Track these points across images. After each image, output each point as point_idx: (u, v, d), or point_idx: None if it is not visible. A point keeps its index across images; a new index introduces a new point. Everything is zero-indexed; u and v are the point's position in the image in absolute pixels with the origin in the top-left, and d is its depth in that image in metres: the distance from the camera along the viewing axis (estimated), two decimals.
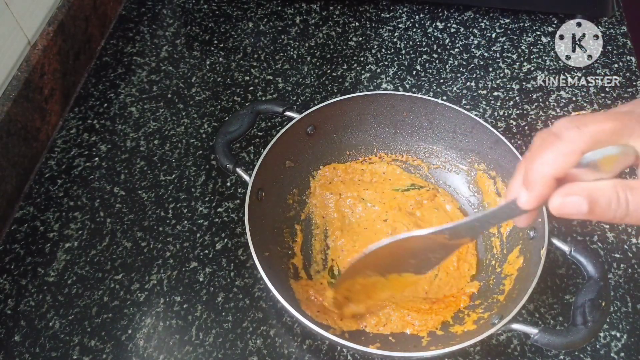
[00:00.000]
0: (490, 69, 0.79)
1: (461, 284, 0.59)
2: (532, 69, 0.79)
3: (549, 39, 0.82)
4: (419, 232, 0.43)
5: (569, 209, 0.32)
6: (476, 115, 0.63)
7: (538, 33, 0.83)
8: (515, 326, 0.47)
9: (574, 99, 0.75)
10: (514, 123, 0.73)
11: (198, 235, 0.63)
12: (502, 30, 0.84)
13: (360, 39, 0.83)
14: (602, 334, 0.56)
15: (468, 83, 0.77)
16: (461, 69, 0.79)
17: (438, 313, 0.56)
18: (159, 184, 0.67)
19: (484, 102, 0.75)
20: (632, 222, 0.32)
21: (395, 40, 0.83)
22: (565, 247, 0.51)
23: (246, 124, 0.60)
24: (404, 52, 0.81)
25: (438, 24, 0.85)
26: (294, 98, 0.76)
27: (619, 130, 0.31)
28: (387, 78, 0.78)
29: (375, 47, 0.82)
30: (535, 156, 0.33)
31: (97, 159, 0.69)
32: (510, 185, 0.36)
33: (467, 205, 0.64)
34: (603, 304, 0.47)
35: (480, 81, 0.78)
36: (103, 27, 0.83)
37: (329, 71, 0.79)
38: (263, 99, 0.76)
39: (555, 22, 0.84)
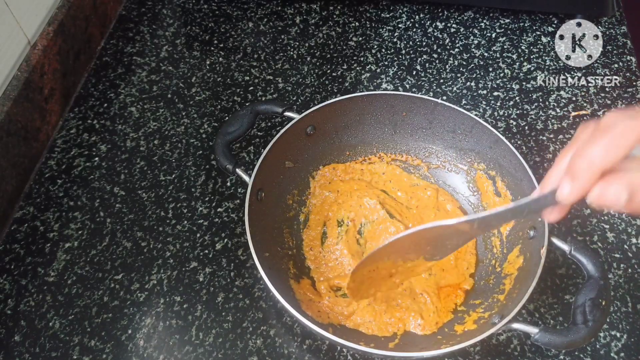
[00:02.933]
0: (490, 69, 0.79)
1: (458, 282, 0.59)
2: (532, 69, 0.79)
3: (549, 39, 0.82)
4: (449, 222, 0.42)
5: (609, 197, 0.32)
6: (476, 115, 0.63)
7: (538, 33, 0.83)
8: (516, 326, 0.47)
9: (574, 99, 0.75)
10: (514, 123, 0.73)
11: (198, 235, 0.63)
12: (502, 30, 0.84)
13: (360, 39, 0.83)
14: (602, 334, 0.56)
15: (468, 83, 0.77)
16: (461, 69, 0.79)
17: (439, 310, 0.56)
18: (159, 184, 0.67)
19: (484, 102, 0.75)
20: None
21: (395, 40, 0.83)
22: (565, 247, 0.51)
23: (246, 124, 0.60)
24: (404, 52, 0.81)
25: (438, 24, 0.85)
26: (294, 98, 0.76)
27: None
28: (387, 78, 0.78)
29: (375, 47, 0.82)
30: (585, 148, 0.33)
31: (97, 159, 0.69)
32: (548, 176, 0.36)
33: (467, 204, 0.64)
34: (603, 304, 0.47)
35: (480, 81, 0.78)
36: (103, 27, 0.83)
37: (329, 71, 0.79)
38: (263, 99, 0.76)
39: (555, 22, 0.84)
